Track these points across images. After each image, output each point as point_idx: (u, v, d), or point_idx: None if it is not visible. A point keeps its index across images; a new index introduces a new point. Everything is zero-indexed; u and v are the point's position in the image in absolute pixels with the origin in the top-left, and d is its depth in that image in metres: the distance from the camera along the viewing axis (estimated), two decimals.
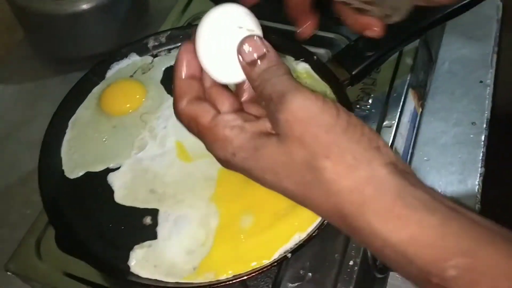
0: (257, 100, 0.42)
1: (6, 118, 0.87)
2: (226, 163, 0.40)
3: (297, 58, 0.62)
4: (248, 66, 0.39)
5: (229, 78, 0.42)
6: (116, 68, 0.64)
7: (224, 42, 0.40)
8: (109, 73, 0.64)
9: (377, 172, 0.34)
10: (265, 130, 0.38)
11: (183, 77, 0.42)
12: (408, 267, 0.33)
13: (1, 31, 0.96)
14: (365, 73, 0.60)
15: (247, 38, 0.40)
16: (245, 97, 0.44)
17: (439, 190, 0.70)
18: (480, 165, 0.73)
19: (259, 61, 0.39)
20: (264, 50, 0.40)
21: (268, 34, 0.63)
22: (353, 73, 0.59)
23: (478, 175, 0.72)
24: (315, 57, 0.61)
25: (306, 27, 0.57)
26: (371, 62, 0.59)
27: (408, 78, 0.66)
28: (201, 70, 0.42)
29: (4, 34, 0.96)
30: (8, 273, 0.59)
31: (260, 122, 0.39)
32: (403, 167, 0.36)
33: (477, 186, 0.71)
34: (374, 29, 0.54)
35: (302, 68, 0.62)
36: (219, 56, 0.41)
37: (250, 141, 0.37)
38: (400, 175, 0.34)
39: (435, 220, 0.33)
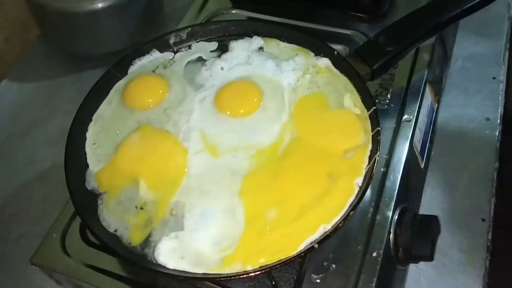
0: None
1: (23, 116, 0.88)
2: None
3: (317, 53, 0.63)
4: None
5: None
6: (138, 64, 0.65)
7: None
8: (132, 69, 0.65)
9: None
10: None
11: None
12: None
13: (17, 29, 0.97)
14: (386, 67, 0.61)
15: None
16: None
17: (455, 185, 0.71)
18: (494, 160, 0.74)
19: None
20: None
21: (291, 31, 0.64)
22: (374, 67, 0.60)
23: (494, 169, 0.73)
24: (335, 52, 0.62)
25: None
26: (392, 57, 0.60)
27: (426, 74, 0.67)
28: None
29: (20, 32, 0.97)
30: (33, 266, 0.59)
31: None
32: None
33: (493, 181, 0.72)
34: None
35: (322, 63, 0.62)
36: None
37: None
38: None
39: None
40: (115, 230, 0.52)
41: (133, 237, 0.51)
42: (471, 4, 0.63)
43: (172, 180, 0.54)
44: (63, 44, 0.91)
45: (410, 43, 0.62)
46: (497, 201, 0.70)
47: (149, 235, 0.51)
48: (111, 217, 0.53)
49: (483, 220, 0.67)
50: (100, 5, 0.82)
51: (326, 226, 0.50)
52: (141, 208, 0.53)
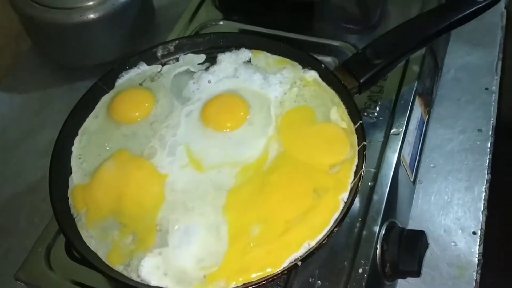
0: None
1: (13, 127, 0.87)
2: None
3: (304, 66, 0.63)
4: None
5: None
6: (126, 77, 0.65)
7: None
8: (118, 82, 0.64)
9: None
10: None
11: None
12: None
13: (8, 41, 0.96)
14: (373, 80, 0.61)
15: None
16: None
17: (446, 197, 0.70)
18: (486, 172, 0.73)
19: None
20: None
21: (278, 43, 0.64)
22: (361, 80, 0.59)
23: (485, 181, 0.72)
24: (323, 65, 0.61)
25: None
26: (379, 69, 0.60)
27: (415, 85, 0.67)
28: None
29: (12, 44, 0.97)
30: (18, 282, 0.59)
31: None
32: None
33: (484, 193, 0.71)
34: None
35: (310, 76, 0.62)
36: None
37: None
38: None
39: None
40: (97, 250, 0.51)
41: (114, 260, 0.50)
42: (462, 15, 0.63)
43: (151, 209, 0.53)
44: (54, 56, 0.91)
45: (399, 56, 0.62)
46: (489, 213, 0.69)
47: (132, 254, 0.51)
48: (93, 238, 0.52)
49: (473, 233, 0.67)
50: (90, 16, 0.82)
51: (310, 243, 0.49)
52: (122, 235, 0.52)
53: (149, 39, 0.88)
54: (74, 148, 0.60)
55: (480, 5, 0.62)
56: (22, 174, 0.80)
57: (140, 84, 0.64)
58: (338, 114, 0.58)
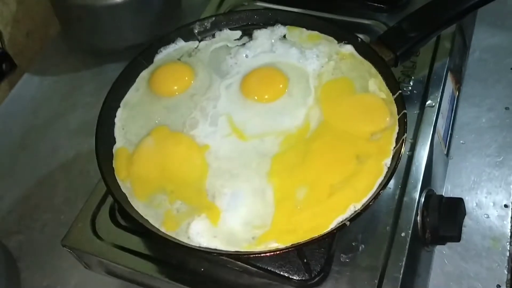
0: None
1: (45, 109, 0.89)
2: None
3: (340, 41, 0.64)
4: None
5: None
6: (164, 52, 0.66)
7: None
8: (157, 57, 0.66)
9: None
10: None
11: None
12: None
13: (38, 24, 0.98)
14: (409, 53, 0.62)
15: None
16: None
17: (476, 172, 0.71)
18: None
19: None
20: None
21: (314, 19, 0.65)
22: (398, 53, 0.60)
23: None
24: (359, 39, 0.62)
25: None
26: (415, 42, 0.61)
27: (447, 61, 0.68)
28: None
29: (41, 28, 0.98)
30: (60, 252, 0.60)
31: None
32: None
33: None
34: None
35: (346, 50, 0.63)
36: None
37: None
38: None
39: None
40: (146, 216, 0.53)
41: (166, 226, 0.52)
42: None
43: (196, 178, 0.54)
44: (84, 38, 0.92)
45: (433, 30, 0.63)
46: None
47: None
48: (140, 205, 0.53)
49: (505, 206, 0.68)
50: None
51: (356, 205, 0.50)
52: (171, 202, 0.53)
53: (176, 23, 0.89)
54: (117, 120, 0.61)
55: None
56: (56, 153, 0.82)
57: (179, 59, 0.65)
58: (376, 85, 0.59)
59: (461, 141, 0.74)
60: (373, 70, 0.61)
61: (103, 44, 0.91)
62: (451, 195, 0.68)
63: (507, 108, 0.78)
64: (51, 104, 0.90)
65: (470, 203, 0.68)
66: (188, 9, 0.96)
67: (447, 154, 0.68)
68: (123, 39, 0.89)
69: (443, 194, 0.67)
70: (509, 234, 0.66)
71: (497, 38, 0.87)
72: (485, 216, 0.67)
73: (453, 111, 0.71)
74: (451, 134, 0.70)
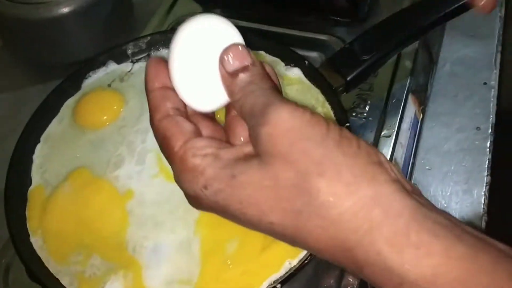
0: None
1: None
2: (195, 200, 0.34)
3: (287, 63, 0.58)
4: (230, 77, 0.34)
5: (206, 105, 0.36)
6: (94, 77, 0.60)
7: (201, 62, 0.35)
8: (85, 83, 0.59)
9: (383, 189, 0.28)
10: (242, 156, 0.33)
11: (156, 86, 0.37)
12: None
13: None
14: (362, 78, 0.56)
15: (232, 47, 0.35)
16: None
17: (443, 202, 0.66)
18: (486, 174, 0.68)
19: (242, 73, 0.34)
20: (250, 61, 0.34)
21: (259, 38, 0.59)
22: (348, 78, 0.54)
23: (484, 184, 0.67)
24: (306, 62, 0.56)
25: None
26: (368, 66, 0.55)
27: (408, 82, 0.62)
28: None
29: None
30: None
31: (238, 148, 0.33)
32: (410, 186, 0.30)
33: (483, 197, 0.66)
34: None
35: (293, 73, 0.57)
36: (194, 79, 0.35)
37: (226, 169, 0.32)
38: (409, 195, 0.29)
39: (463, 250, 0.27)
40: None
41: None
42: (460, 3, 0.58)
43: (115, 231, 0.48)
44: (26, 54, 0.86)
45: (389, 50, 0.57)
46: (489, 219, 0.64)
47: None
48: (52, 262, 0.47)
49: None
50: (61, 11, 0.77)
51: (291, 262, 0.45)
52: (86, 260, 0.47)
53: (127, 35, 0.82)
54: (35, 157, 0.55)
55: None
56: None
57: (109, 85, 0.59)
58: (324, 115, 0.53)
59: (426, 167, 0.68)
60: (321, 97, 0.55)
61: (47, 60, 0.84)
62: None
63: (478, 129, 0.72)
64: None
65: None
66: (141, 17, 0.89)
67: None
68: (68, 54, 0.83)
69: None
70: None
71: (470, 49, 0.80)
72: None
73: (416, 137, 0.65)
74: (413, 163, 0.64)
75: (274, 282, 0.44)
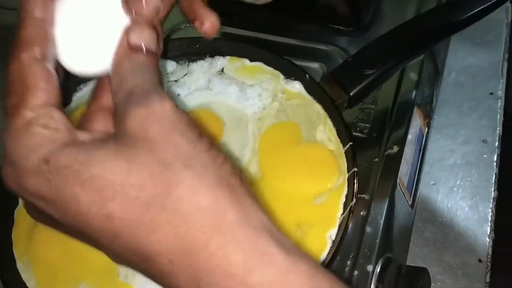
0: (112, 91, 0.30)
1: None
2: (22, 176, 0.28)
3: (287, 76, 0.55)
4: (129, 49, 0.31)
5: (81, 66, 0.31)
6: (84, 90, 0.57)
7: (91, 18, 0.31)
8: (76, 96, 0.57)
9: (242, 198, 0.29)
10: (98, 138, 0.29)
11: (39, 16, 0.30)
12: None
13: None
14: (365, 93, 0.53)
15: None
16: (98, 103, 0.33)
17: (448, 218, 0.63)
18: (493, 189, 0.66)
19: (141, 54, 0.30)
20: (155, 48, 0.31)
21: (258, 50, 0.56)
22: (351, 93, 0.52)
23: (491, 199, 0.65)
24: (307, 75, 0.54)
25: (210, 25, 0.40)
26: (372, 80, 0.52)
27: (413, 96, 0.59)
28: None
29: None
30: None
31: (93, 133, 0.30)
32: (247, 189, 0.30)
33: (490, 213, 0.64)
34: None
35: (293, 88, 0.54)
36: (77, 35, 0.31)
37: (78, 145, 0.28)
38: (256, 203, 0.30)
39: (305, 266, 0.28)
40: None
41: None
42: (466, 16, 0.56)
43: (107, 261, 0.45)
44: None
45: (394, 65, 0.54)
46: (496, 237, 0.62)
47: None
48: None
49: (479, 261, 0.60)
50: None
51: None
52: None
53: None
54: None
55: (487, 4, 0.55)
56: None
57: None
58: (325, 133, 0.51)
59: (431, 182, 0.66)
60: (323, 113, 0.52)
61: None
62: (417, 250, 0.60)
63: (484, 141, 0.69)
64: None
65: (440, 261, 0.60)
66: None
67: (412, 205, 0.60)
68: None
69: (409, 252, 0.59)
70: None
71: (476, 58, 0.78)
72: (458, 271, 0.59)
73: (421, 151, 0.63)
74: (417, 179, 0.62)
75: None
